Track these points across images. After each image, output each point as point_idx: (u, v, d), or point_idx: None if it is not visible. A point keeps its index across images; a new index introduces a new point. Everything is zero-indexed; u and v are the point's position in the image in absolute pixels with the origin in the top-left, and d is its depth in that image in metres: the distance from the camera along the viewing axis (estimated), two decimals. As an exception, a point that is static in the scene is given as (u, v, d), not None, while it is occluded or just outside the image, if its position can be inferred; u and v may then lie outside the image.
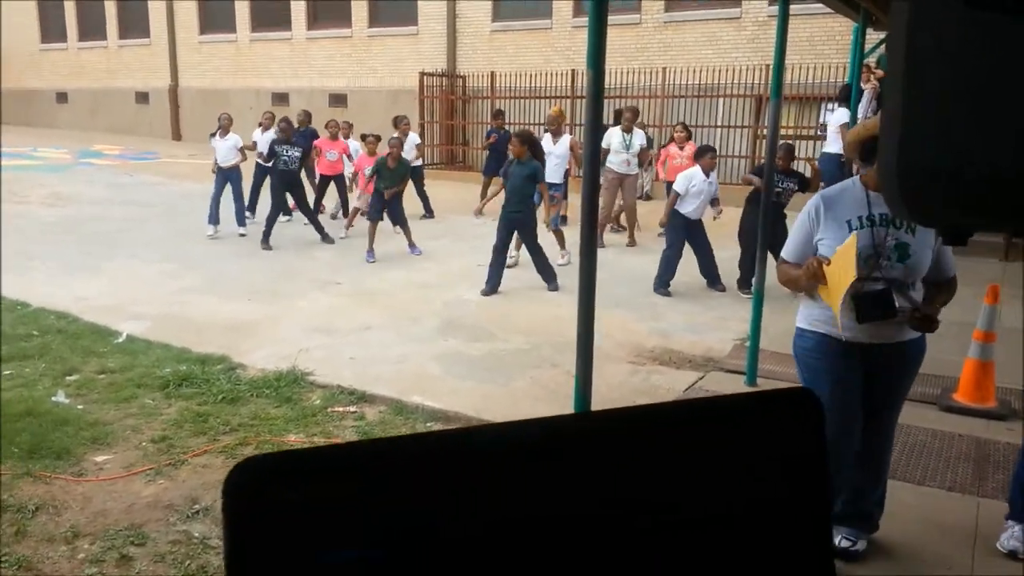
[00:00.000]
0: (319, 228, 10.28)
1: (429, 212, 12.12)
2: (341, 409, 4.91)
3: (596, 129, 2.83)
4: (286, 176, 10.11)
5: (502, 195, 8.14)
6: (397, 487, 0.56)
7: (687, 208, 7.85)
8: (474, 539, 0.58)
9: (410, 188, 10.42)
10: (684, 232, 7.92)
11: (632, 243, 10.20)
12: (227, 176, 10.47)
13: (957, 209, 0.76)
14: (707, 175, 7.86)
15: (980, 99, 0.69)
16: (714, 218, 8.09)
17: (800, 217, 3.03)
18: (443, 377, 5.47)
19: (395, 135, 11.04)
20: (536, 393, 5.16)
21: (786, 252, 3.07)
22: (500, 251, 7.84)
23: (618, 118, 10.47)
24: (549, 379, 5.37)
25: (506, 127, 13.04)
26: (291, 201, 10.73)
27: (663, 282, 7.88)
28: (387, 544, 0.56)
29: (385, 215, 9.57)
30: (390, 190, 9.37)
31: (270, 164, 10.30)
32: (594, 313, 2.95)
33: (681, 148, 10.28)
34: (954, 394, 4.83)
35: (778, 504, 0.68)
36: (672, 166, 10.12)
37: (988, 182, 0.71)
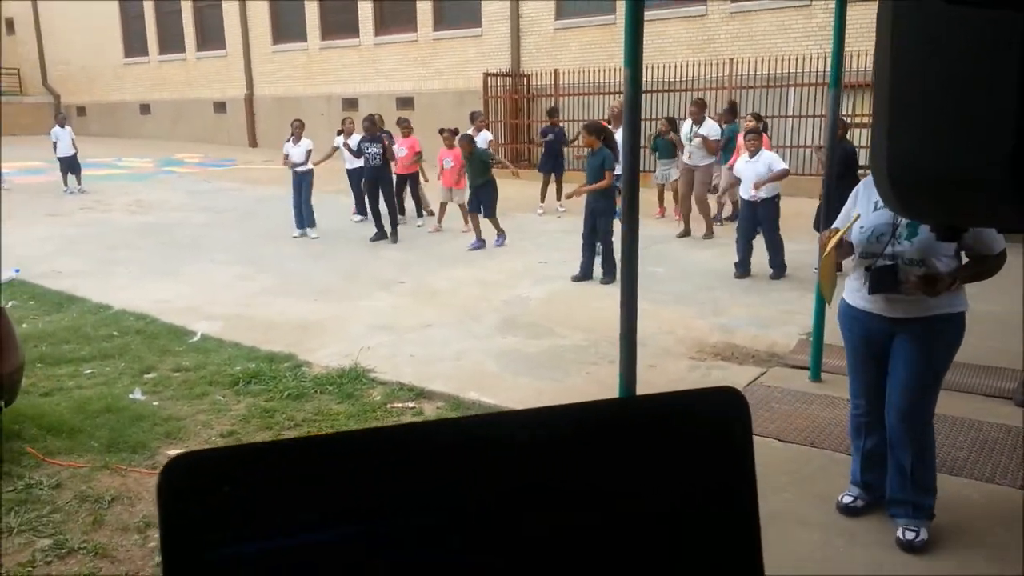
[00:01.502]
0: (394, 223, 10.53)
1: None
2: (400, 405, 5.01)
3: (635, 126, 2.83)
4: (371, 172, 10.52)
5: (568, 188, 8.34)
6: (321, 482, 0.59)
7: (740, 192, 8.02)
8: (394, 535, 0.60)
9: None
10: (743, 215, 8.07)
11: (709, 234, 10.05)
12: (300, 180, 10.76)
13: (944, 206, 0.76)
14: (750, 156, 7.93)
15: (964, 98, 0.68)
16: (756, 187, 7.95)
17: (849, 198, 3.29)
18: (500, 374, 5.52)
19: (469, 131, 11.27)
20: (591, 390, 5.15)
21: (834, 225, 3.36)
22: (586, 239, 8.11)
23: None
24: (606, 375, 5.35)
25: (561, 125, 13.07)
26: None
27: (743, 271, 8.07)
28: (316, 536, 0.58)
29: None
30: (475, 182, 9.85)
31: (361, 163, 10.77)
32: (636, 307, 2.95)
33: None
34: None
35: (704, 502, 0.68)
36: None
37: (972, 180, 0.71)
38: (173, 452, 4.44)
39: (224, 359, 5.88)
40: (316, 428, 4.65)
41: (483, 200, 9.89)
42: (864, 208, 3.11)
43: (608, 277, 7.89)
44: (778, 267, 7.96)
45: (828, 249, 3.07)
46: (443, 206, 11.01)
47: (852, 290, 3.23)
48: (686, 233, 10.21)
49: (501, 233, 9.94)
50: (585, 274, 8.07)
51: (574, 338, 6.26)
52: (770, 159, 7.84)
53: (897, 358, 3.12)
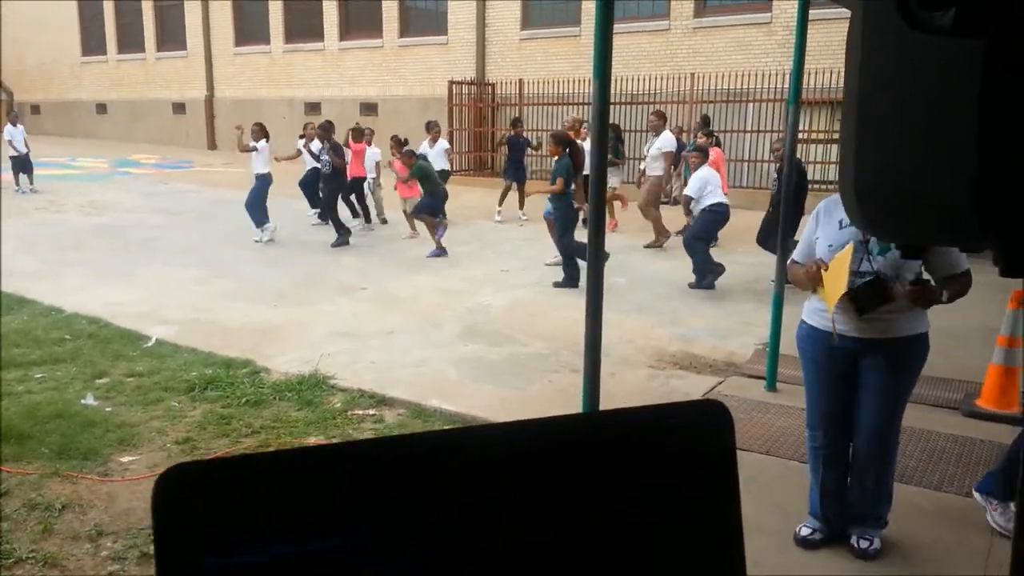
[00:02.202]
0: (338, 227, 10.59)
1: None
2: (361, 412, 4.97)
3: (603, 137, 2.85)
4: (325, 180, 10.64)
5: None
6: (316, 493, 0.59)
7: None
8: (386, 545, 0.60)
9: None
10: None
11: (656, 244, 10.15)
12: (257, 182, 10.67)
13: (908, 228, 0.78)
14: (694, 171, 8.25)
15: (929, 120, 0.70)
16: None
17: (809, 220, 3.24)
18: (462, 381, 5.51)
19: (425, 141, 11.39)
20: (553, 397, 5.17)
21: (796, 253, 3.30)
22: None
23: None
24: (568, 383, 5.38)
25: (525, 135, 13.22)
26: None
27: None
28: (308, 547, 0.58)
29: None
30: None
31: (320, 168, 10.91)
32: (601, 316, 2.97)
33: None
34: (977, 400, 4.76)
35: (688, 515, 0.68)
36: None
37: (937, 203, 0.73)
38: (126, 459, 4.37)
39: (179, 364, 5.78)
40: (275, 435, 4.59)
41: (422, 203, 10.08)
42: (828, 228, 3.09)
43: (566, 283, 8.06)
44: (698, 275, 8.01)
45: (827, 277, 2.96)
46: (405, 213, 11.00)
47: (814, 311, 3.16)
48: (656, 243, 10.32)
49: (416, 235, 10.22)
50: (566, 282, 8.17)
51: (536, 346, 6.28)
52: (697, 176, 8.14)
53: (867, 381, 3.07)
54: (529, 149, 12.98)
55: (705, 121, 12.04)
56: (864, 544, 3.23)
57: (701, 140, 10.46)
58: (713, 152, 10.05)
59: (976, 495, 3.56)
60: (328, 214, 10.71)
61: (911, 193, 0.73)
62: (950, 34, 0.68)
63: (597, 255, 2.98)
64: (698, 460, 0.69)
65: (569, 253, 8.09)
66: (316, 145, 11.29)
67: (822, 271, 2.98)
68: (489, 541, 0.63)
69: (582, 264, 8.14)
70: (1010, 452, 3.50)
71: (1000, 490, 3.47)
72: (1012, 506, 3.46)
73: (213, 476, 0.58)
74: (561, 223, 8.13)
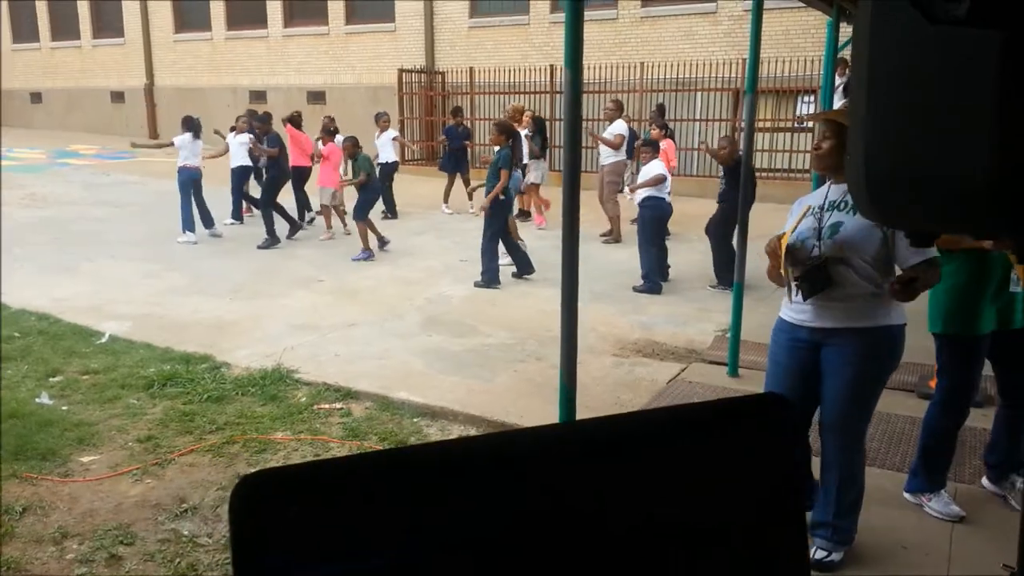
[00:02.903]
0: (294, 220, 10.34)
1: (393, 213, 12.00)
2: (327, 406, 4.92)
3: (576, 127, 2.86)
4: (268, 171, 10.29)
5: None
6: (398, 498, 0.59)
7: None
8: (470, 549, 0.60)
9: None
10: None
11: (609, 234, 10.19)
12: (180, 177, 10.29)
13: (919, 214, 0.80)
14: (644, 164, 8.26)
15: (941, 109, 0.72)
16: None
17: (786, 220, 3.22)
18: (427, 372, 5.49)
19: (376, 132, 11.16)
20: (520, 387, 5.20)
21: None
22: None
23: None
24: (535, 372, 5.41)
25: (465, 123, 13.08)
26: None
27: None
28: (387, 555, 0.58)
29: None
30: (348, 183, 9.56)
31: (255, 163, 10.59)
32: (577, 306, 3.00)
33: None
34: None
35: (753, 509, 0.69)
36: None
37: (946, 190, 0.74)
38: (87, 459, 4.25)
39: (136, 361, 5.64)
40: (240, 431, 4.52)
41: (358, 204, 9.39)
42: (794, 217, 3.10)
43: (523, 270, 8.10)
44: (645, 278, 7.77)
45: (781, 254, 2.97)
46: (324, 208, 10.51)
47: (785, 304, 3.12)
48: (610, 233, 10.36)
49: (367, 249, 9.25)
50: (491, 280, 7.91)
51: (499, 336, 6.29)
52: (650, 167, 8.09)
53: (827, 371, 3.00)
54: (465, 141, 12.79)
55: (660, 111, 12.10)
56: (822, 555, 3.11)
57: (654, 132, 10.52)
58: (664, 143, 10.14)
59: (908, 496, 3.61)
60: (264, 210, 10.09)
61: (923, 180, 0.75)
62: (965, 24, 0.70)
63: (572, 247, 3.00)
64: (762, 453, 0.70)
65: (492, 250, 7.87)
66: (244, 138, 10.71)
67: (780, 241, 2.97)
68: (558, 545, 0.63)
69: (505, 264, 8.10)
70: (923, 441, 3.52)
71: (926, 483, 3.53)
72: (944, 492, 3.52)
73: (291, 483, 0.58)
74: (497, 216, 7.92)
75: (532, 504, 0.63)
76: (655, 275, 7.79)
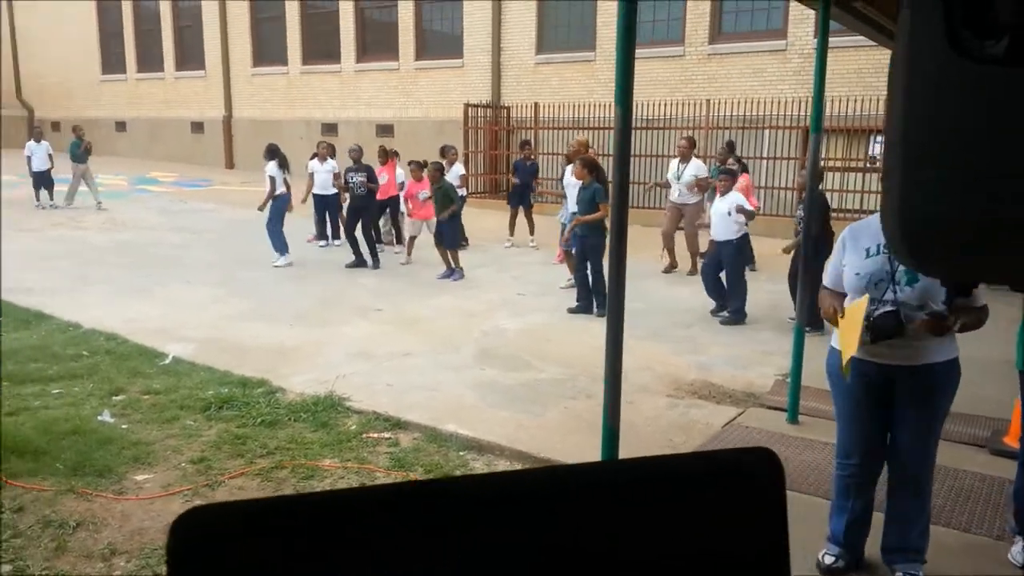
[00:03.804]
0: (374, 254, 10.54)
1: (464, 241, 12.15)
2: (376, 435, 4.94)
3: (625, 164, 2.83)
4: (356, 201, 10.61)
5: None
6: (342, 541, 0.57)
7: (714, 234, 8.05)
8: None
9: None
10: (710, 255, 8.11)
11: (693, 271, 10.09)
12: (274, 204, 10.64)
13: (957, 263, 0.75)
14: (720, 195, 8.09)
15: (977, 150, 0.68)
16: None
17: (835, 246, 3.30)
18: (478, 406, 5.47)
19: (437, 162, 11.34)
20: (569, 424, 5.13)
21: (825, 279, 3.34)
22: (581, 272, 8.25)
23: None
24: (584, 410, 5.34)
25: (533, 158, 13.06)
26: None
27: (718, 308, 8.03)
28: None
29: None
30: (441, 213, 9.86)
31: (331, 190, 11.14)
32: (622, 343, 2.93)
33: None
34: (1005, 437, 4.67)
35: (738, 563, 0.67)
36: None
37: (986, 235, 0.70)
38: (141, 477, 4.35)
39: (196, 383, 5.77)
40: (289, 456, 4.56)
41: (444, 231, 9.94)
42: (854, 255, 3.10)
43: (602, 309, 7.96)
44: (734, 312, 7.82)
45: (842, 324, 3.01)
46: (412, 240, 10.85)
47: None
48: (671, 268, 10.28)
49: (458, 269, 9.89)
50: (583, 307, 8.14)
51: (552, 371, 6.24)
52: (736, 199, 7.92)
53: (902, 408, 3.08)
54: (532, 178, 12.76)
55: (730, 147, 11.94)
56: None
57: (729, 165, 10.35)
58: (742, 178, 10.04)
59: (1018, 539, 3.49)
60: (349, 235, 10.64)
61: (961, 227, 0.70)
62: (1003, 64, 0.66)
63: (618, 285, 2.95)
64: (748, 509, 0.68)
65: (600, 281, 8.00)
66: (330, 165, 11.34)
67: (839, 317, 3.04)
68: None
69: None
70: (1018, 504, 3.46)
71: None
72: None
73: (230, 520, 0.56)
74: (599, 250, 8.01)
75: (498, 548, 0.61)
76: (743, 306, 7.85)
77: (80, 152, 15.37)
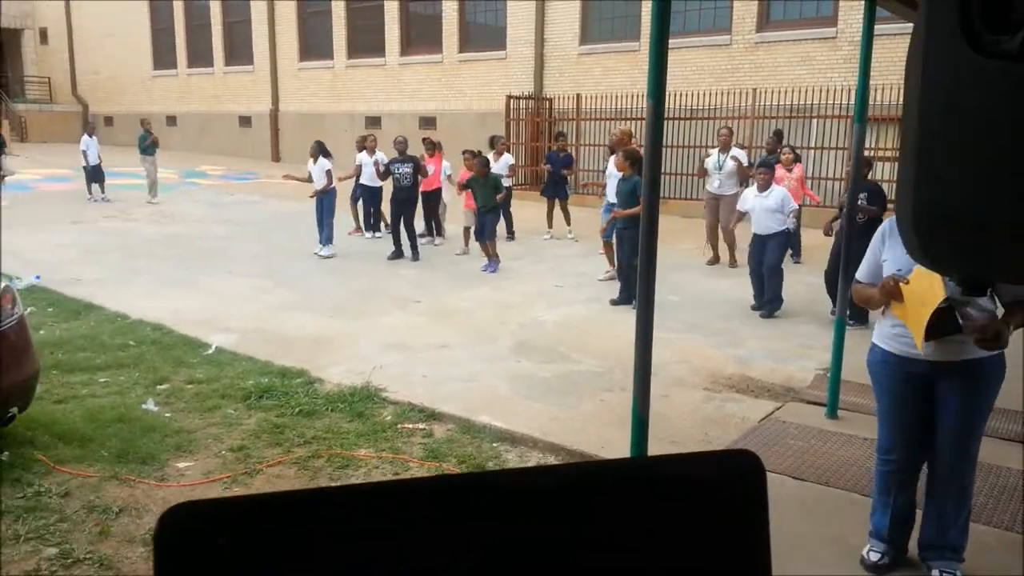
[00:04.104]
0: (414, 246, 10.60)
1: (511, 233, 12.19)
2: (411, 426, 4.98)
3: (656, 155, 2.81)
4: (401, 192, 10.58)
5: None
6: (323, 538, 0.57)
7: (754, 228, 7.91)
8: None
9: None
10: (754, 249, 7.93)
11: (733, 263, 9.99)
12: (320, 199, 10.81)
13: (970, 261, 0.74)
14: (760, 190, 7.92)
15: (993, 147, 0.67)
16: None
17: (873, 238, 3.21)
18: (513, 398, 5.48)
19: (489, 154, 11.37)
20: (604, 417, 5.11)
21: (860, 273, 3.28)
22: (625, 264, 8.15)
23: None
24: (618, 403, 5.31)
25: (568, 150, 12.97)
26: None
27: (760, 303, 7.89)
28: None
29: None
30: (485, 205, 9.86)
31: (376, 182, 11.15)
32: (652, 335, 2.91)
33: (789, 170, 9.97)
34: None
35: (717, 565, 0.67)
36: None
37: (1002, 232, 0.69)
38: (182, 464, 4.45)
39: (238, 373, 5.89)
40: (326, 446, 4.63)
41: (486, 224, 9.92)
42: (895, 250, 3.02)
43: (626, 300, 7.96)
44: (771, 302, 7.76)
45: (909, 292, 2.87)
46: (467, 230, 10.93)
47: (889, 335, 3.10)
48: (715, 261, 10.16)
49: (494, 258, 9.88)
50: (624, 299, 8.06)
51: (588, 364, 6.22)
52: (782, 196, 7.79)
53: (946, 404, 3.02)
54: (565, 169, 12.70)
55: (778, 136, 11.71)
56: None
57: (786, 156, 10.15)
58: (796, 168, 9.91)
59: None
60: (395, 227, 10.66)
61: (977, 224, 0.69)
62: (1017, 60, 0.65)
63: (648, 278, 2.93)
64: (729, 511, 0.68)
65: (634, 274, 8.00)
66: (380, 157, 11.33)
67: (900, 286, 2.89)
68: None
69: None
70: None
71: None
72: None
73: (217, 516, 0.57)
74: (636, 243, 7.96)
75: (481, 547, 0.62)
76: (775, 297, 7.79)
77: (148, 145, 15.78)
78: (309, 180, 10.92)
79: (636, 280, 7.96)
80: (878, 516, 3.29)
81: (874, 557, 3.28)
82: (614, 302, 8.10)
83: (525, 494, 0.63)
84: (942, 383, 3.01)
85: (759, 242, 7.84)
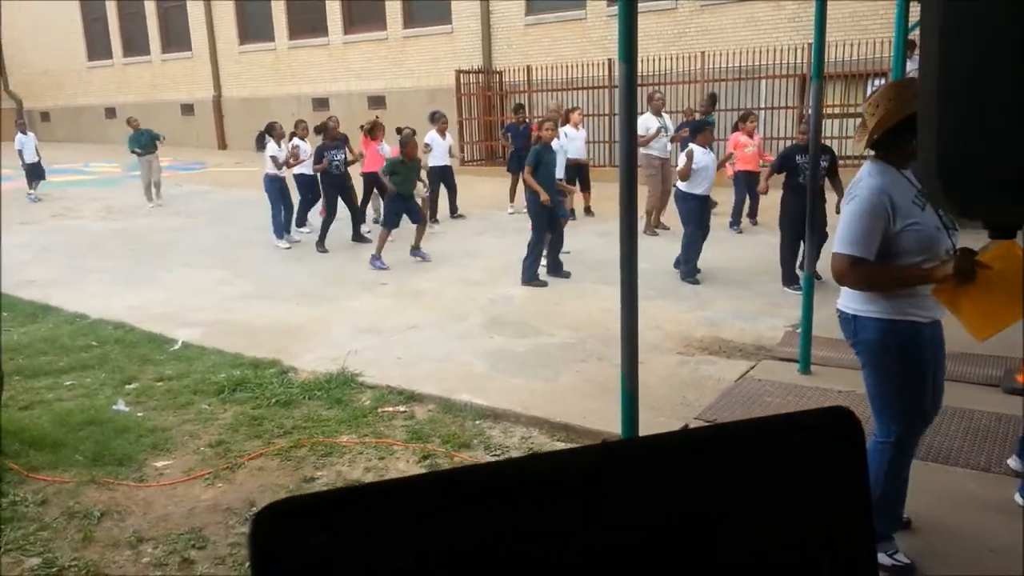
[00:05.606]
0: (356, 225, 10.38)
1: (455, 211, 12.00)
2: (391, 409, 4.95)
3: (631, 122, 2.80)
4: (335, 180, 10.12)
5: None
6: (423, 525, 0.57)
7: (699, 188, 7.79)
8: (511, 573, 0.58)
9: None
10: (699, 213, 7.88)
11: (660, 225, 10.13)
12: (264, 187, 10.49)
13: (997, 204, 0.75)
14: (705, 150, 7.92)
15: (1018, 89, 0.67)
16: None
17: (864, 209, 2.69)
18: (489, 374, 5.48)
19: (432, 131, 11.13)
20: (583, 388, 5.14)
21: (862, 251, 2.69)
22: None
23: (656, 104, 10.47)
24: (596, 372, 5.35)
25: (527, 121, 12.82)
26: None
27: (690, 269, 7.83)
28: None
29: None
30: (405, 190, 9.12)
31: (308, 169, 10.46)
32: (637, 305, 2.93)
33: (751, 137, 10.05)
34: (1019, 375, 4.68)
35: (820, 524, 0.67)
36: (743, 155, 9.94)
37: None
38: (161, 463, 4.37)
39: (207, 367, 5.78)
40: (307, 435, 4.58)
41: (412, 208, 9.15)
42: (906, 210, 2.69)
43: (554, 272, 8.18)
44: (683, 266, 7.83)
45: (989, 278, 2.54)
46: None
47: (908, 305, 2.77)
48: (665, 227, 10.23)
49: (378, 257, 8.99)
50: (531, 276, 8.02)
51: (561, 336, 6.24)
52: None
53: (938, 359, 2.93)
54: (527, 141, 12.57)
55: (712, 100, 11.83)
56: (908, 560, 3.00)
57: (751, 123, 10.19)
58: (756, 136, 10.02)
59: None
60: (328, 216, 10.13)
61: (1001, 168, 0.69)
62: None
63: (630, 248, 2.93)
64: (829, 469, 0.68)
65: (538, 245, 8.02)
66: (300, 144, 10.54)
67: (983, 259, 2.52)
68: (627, 559, 0.62)
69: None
70: None
71: None
72: None
73: (311, 512, 0.56)
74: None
75: (589, 523, 0.61)
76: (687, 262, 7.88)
77: (145, 143, 14.69)
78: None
79: (549, 252, 7.96)
80: (890, 517, 3.00)
81: (906, 560, 2.99)
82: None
83: (622, 467, 0.63)
84: (936, 339, 2.90)
85: (704, 201, 7.90)
